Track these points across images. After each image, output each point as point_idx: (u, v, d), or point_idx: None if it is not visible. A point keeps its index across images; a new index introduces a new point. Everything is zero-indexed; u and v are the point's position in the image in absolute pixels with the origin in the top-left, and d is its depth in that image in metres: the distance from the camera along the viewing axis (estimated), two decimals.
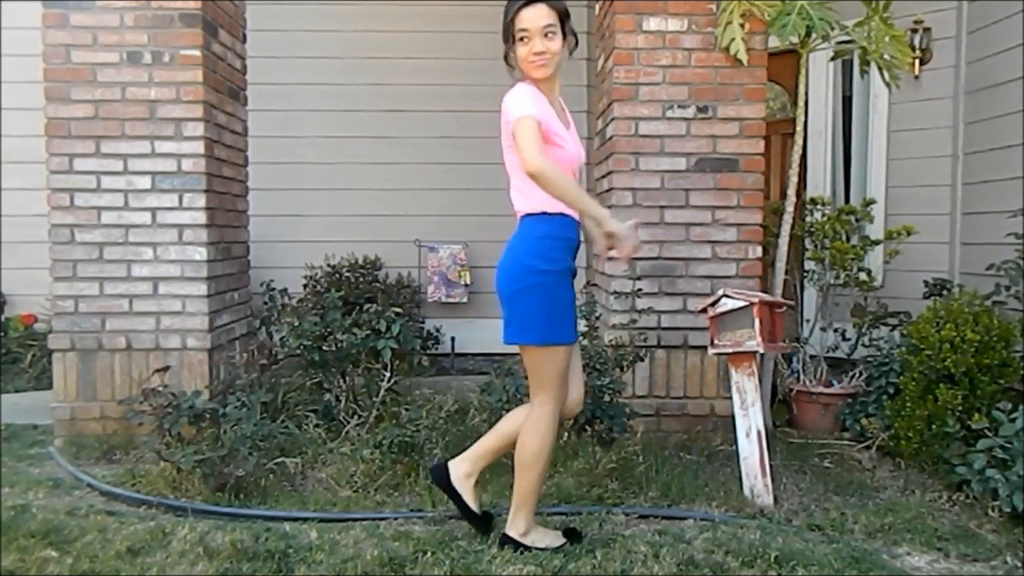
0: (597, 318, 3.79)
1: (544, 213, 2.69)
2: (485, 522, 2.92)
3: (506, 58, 2.73)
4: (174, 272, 3.99)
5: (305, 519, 3.09)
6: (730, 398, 3.43)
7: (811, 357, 4.59)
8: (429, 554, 2.73)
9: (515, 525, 2.80)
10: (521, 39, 2.63)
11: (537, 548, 2.77)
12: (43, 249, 4.03)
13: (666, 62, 3.97)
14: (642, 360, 3.87)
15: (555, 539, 2.83)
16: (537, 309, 2.67)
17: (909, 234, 4.63)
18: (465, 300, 6.25)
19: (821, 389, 4.41)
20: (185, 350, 3.99)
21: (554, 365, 2.70)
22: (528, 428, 2.75)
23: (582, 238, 2.85)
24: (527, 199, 2.70)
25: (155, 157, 3.96)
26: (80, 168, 3.95)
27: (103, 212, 3.96)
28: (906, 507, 3.22)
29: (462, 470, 2.89)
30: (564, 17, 2.68)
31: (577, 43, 2.73)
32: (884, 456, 3.88)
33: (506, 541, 2.79)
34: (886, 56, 4.07)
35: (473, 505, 2.89)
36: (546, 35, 2.63)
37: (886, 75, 4.14)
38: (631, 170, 4.01)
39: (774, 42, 4.07)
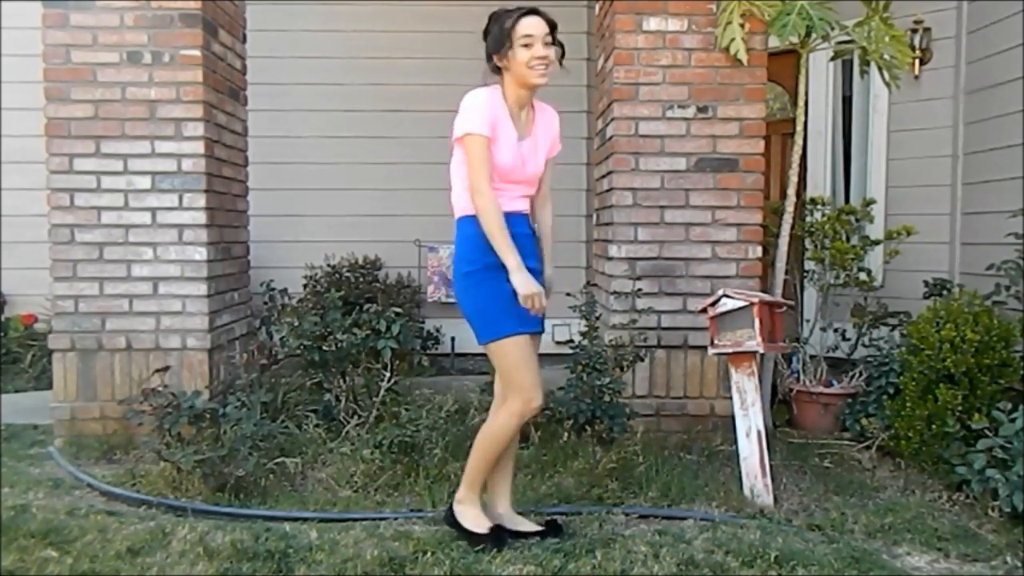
0: (597, 318, 3.79)
1: (472, 215, 2.74)
2: (554, 529, 2.92)
3: (492, 60, 2.78)
4: (174, 272, 3.99)
5: (305, 519, 3.09)
6: (730, 398, 3.43)
7: (811, 357, 4.60)
8: (429, 554, 2.73)
9: (459, 490, 2.87)
10: (524, 45, 2.71)
11: (461, 524, 2.82)
12: (43, 249, 4.03)
13: (666, 62, 3.97)
14: (642, 360, 3.87)
15: (482, 526, 2.82)
16: (470, 309, 2.76)
17: (909, 234, 4.62)
18: None
19: (821, 389, 4.41)
20: (185, 350, 3.99)
21: (506, 360, 2.73)
22: (490, 416, 2.86)
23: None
24: (459, 199, 2.78)
25: (155, 157, 3.96)
26: (80, 168, 3.95)
27: (103, 212, 3.96)
28: (906, 507, 3.22)
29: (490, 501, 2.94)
30: (555, 30, 2.79)
31: (564, 54, 2.81)
32: (884, 456, 3.88)
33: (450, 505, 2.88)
34: (886, 56, 4.07)
35: (525, 525, 2.90)
36: (546, 43, 2.73)
37: (886, 75, 4.14)
38: (631, 170, 4.01)
39: (774, 42, 4.07)
